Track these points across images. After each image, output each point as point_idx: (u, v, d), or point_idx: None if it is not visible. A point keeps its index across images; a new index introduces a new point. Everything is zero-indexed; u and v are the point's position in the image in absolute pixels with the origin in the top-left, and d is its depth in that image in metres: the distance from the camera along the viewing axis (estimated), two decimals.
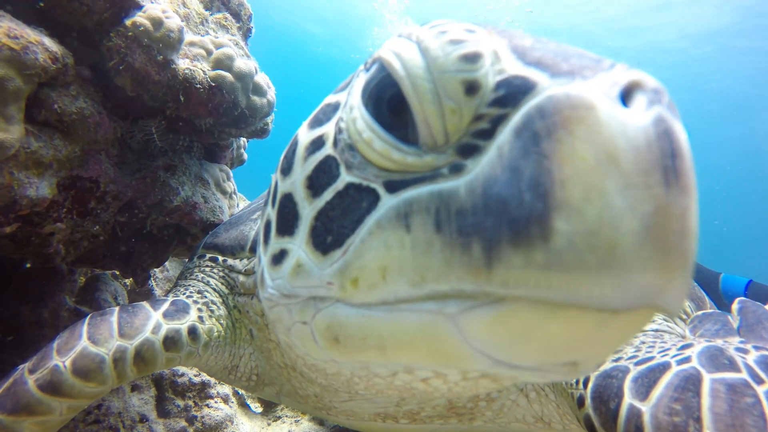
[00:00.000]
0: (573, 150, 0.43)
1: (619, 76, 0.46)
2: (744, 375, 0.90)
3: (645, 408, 0.87)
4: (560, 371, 0.52)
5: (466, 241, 0.47)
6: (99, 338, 1.12)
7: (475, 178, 0.48)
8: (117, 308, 1.23)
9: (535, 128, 0.45)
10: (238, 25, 2.05)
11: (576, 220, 0.42)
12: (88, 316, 1.20)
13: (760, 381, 0.89)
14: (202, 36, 1.75)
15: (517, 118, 0.47)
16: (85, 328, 1.15)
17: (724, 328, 1.19)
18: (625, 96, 0.46)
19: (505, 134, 0.47)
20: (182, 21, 1.59)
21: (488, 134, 0.49)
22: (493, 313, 0.48)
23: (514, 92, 0.48)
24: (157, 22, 1.46)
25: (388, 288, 0.53)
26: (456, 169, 0.50)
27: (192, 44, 1.68)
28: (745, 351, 1.01)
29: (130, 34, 1.43)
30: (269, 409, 2.86)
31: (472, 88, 0.50)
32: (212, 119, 1.80)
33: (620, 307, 0.44)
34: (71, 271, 1.99)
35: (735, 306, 1.26)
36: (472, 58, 0.51)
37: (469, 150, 0.50)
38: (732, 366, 0.93)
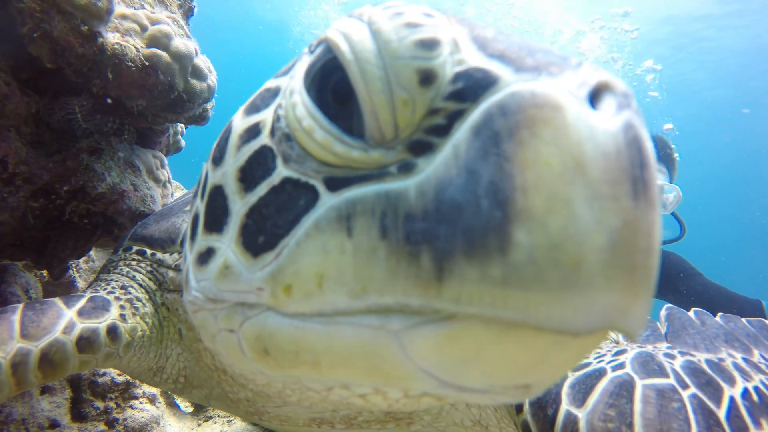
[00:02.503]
0: (537, 154, 0.39)
1: (588, 75, 0.43)
2: (671, 380, 0.94)
3: (581, 414, 0.88)
4: (511, 394, 0.49)
5: (414, 250, 0.43)
6: None
7: (427, 179, 0.44)
8: (21, 305, 1.10)
9: (496, 127, 0.41)
10: (178, 2, 1.91)
11: (538, 233, 0.39)
12: None
13: (685, 386, 0.93)
14: (136, 9, 1.61)
15: (476, 114, 0.43)
16: None
17: (653, 334, 1.24)
18: (593, 98, 0.43)
19: (462, 132, 0.43)
20: None
21: (443, 131, 0.45)
22: (442, 331, 0.43)
23: (474, 86, 0.44)
24: None
25: (324, 298, 0.48)
26: (406, 168, 0.46)
27: (124, 17, 1.54)
28: (672, 357, 1.05)
29: None
30: (200, 408, 2.73)
31: (427, 78, 0.45)
32: (145, 101, 1.67)
33: (582, 330, 0.41)
34: None
35: (663, 313, 1.32)
36: (430, 45, 0.46)
37: (421, 147, 0.46)
38: (661, 371, 0.96)
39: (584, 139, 0.40)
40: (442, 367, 0.46)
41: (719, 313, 1.33)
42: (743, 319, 1.32)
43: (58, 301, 1.15)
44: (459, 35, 0.47)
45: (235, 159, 0.60)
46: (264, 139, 0.57)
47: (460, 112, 0.44)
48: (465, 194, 0.41)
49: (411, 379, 0.48)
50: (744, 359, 1.11)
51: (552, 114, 0.41)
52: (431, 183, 0.43)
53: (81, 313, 1.12)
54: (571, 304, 0.40)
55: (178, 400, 2.69)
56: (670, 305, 1.35)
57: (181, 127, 2.44)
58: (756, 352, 1.16)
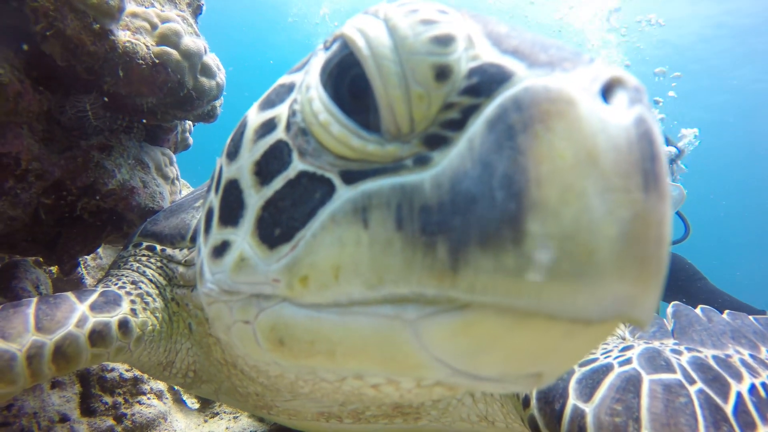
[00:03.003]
0: (551, 147, 0.41)
1: (600, 71, 0.44)
2: (678, 376, 0.94)
3: (588, 409, 0.88)
4: (523, 382, 0.50)
5: (430, 241, 0.44)
6: (10, 333, 1.00)
7: (442, 172, 0.45)
8: (35, 299, 1.11)
9: (511, 121, 0.42)
10: (187, 0, 1.92)
11: (551, 223, 0.40)
12: None
13: (692, 381, 0.93)
14: (146, 8, 1.63)
15: (490, 109, 0.44)
16: None
17: (660, 330, 1.24)
18: (605, 93, 0.44)
19: (477, 126, 0.44)
20: None
21: (458, 125, 0.46)
22: (456, 320, 0.44)
23: (488, 81, 0.45)
24: None
25: (341, 289, 0.49)
26: (421, 162, 0.47)
27: (134, 15, 1.56)
28: (679, 352, 1.06)
29: None
30: (206, 405, 2.75)
31: (442, 73, 0.46)
32: (155, 99, 1.68)
33: (594, 319, 0.42)
34: None
35: (669, 309, 1.33)
36: (445, 41, 0.47)
37: (436, 141, 0.47)
38: (668, 367, 0.97)
39: (597, 133, 0.41)
40: (456, 355, 0.47)
41: (726, 311, 1.33)
42: (750, 317, 1.33)
43: (70, 296, 1.16)
44: (473, 31, 0.48)
45: (251, 153, 0.61)
46: (279, 133, 0.58)
47: (474, 107, 0.45)
48: (480, 186, 0.42)
49: (425, 367, 0.49)
50: (751, 356, 1.11)
51: (565, 108, 0.42)
52: (446, 175, 0.44)
53: (93, 307, 1.14)
54: (583, 293, 0.41)
55: (185, 397, 2.71)
56: (676, 302, 1.35)
57: (189, 124, 2.45)
58: (763, 349, 1.16)
